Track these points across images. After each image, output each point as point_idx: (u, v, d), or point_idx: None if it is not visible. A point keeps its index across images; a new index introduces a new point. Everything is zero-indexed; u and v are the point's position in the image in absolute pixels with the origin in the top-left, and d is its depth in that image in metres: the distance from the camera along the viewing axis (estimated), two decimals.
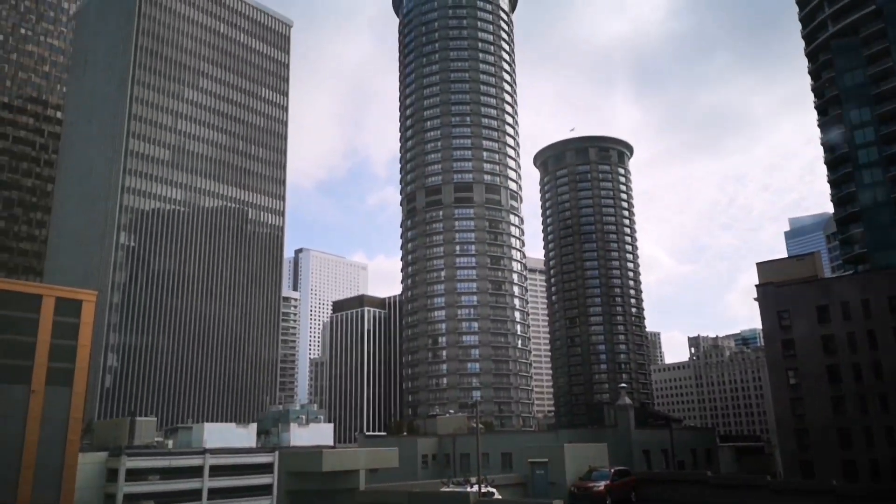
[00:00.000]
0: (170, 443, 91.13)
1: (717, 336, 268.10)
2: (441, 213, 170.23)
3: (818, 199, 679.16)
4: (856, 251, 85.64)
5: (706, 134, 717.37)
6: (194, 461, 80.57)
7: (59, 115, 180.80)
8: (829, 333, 60.81)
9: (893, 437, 56.11)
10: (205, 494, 79.56)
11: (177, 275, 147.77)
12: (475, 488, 33.62)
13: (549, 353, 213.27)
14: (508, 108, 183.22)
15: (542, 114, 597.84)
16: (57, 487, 61.92)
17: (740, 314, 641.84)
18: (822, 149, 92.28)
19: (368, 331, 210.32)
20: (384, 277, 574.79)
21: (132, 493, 73.89)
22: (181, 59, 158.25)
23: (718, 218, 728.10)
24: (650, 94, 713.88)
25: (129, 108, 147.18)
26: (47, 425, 62.67)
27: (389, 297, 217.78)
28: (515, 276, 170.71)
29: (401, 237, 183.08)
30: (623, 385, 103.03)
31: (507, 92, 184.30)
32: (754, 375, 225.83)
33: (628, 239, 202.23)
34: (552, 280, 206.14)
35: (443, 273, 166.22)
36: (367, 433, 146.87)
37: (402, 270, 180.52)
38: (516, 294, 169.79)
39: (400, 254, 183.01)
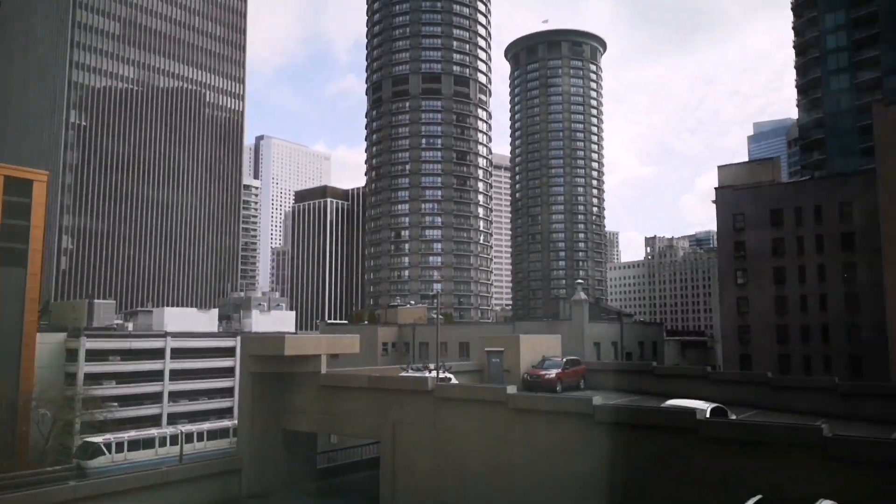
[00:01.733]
0: (129, 325, 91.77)
1: (672, 237, 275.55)
2: (408, 104, 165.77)
3: (784, 106, 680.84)
4: (815, 158, 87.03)
5: (679, 28, 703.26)
6: (156, 343, 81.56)
7: None
8: (780, 237, 62.76)
9: (827, 333, 59.66)
10: (167, 375, 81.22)
11: (132, 158, 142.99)
12: (433, 374, 34.84)
13: (511, 249, 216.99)
14: None
15: (516, 5, 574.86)
16: (17, 364, 62.31)
17: (698, 217, 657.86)
18: (792, 53, 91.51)
19: (331, 222, 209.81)
20: (347, 168, 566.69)
21: (93, 372, 74.92)
22: None
23: (687, 121, 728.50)
24: None
25: None
26: (3, 305, 62.17)
27: (353, 189, 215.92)
28: (481, 172, 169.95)
29: (365, 128, 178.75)
30: (580, 281, 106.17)
31: None
32: (705, 275, 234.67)
33: (595, 139, 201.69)
34: (517, 177, 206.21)
35: (408, 167, 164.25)
36: (329, 321, 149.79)
37: (366, 162, 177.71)
38: (480, 190, 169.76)
39: (363, 145, 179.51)
